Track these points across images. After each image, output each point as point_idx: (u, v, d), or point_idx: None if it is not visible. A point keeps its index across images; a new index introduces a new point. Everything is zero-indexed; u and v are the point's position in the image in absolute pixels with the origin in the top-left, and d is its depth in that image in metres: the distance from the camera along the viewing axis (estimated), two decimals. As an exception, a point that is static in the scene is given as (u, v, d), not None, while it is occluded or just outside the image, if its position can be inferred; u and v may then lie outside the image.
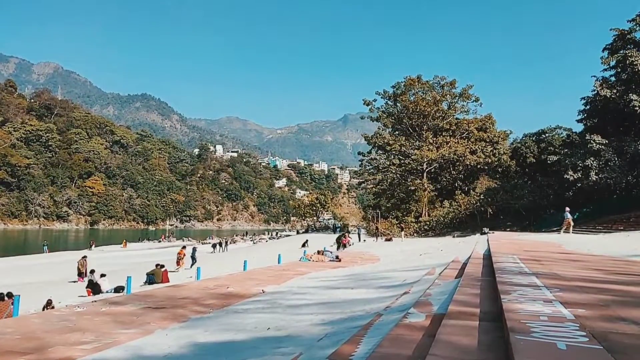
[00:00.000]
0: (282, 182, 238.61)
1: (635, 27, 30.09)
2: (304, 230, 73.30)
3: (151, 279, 17.35)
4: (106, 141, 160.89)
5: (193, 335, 5.62)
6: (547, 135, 38.64)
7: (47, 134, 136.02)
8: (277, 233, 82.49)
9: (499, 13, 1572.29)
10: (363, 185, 57.64)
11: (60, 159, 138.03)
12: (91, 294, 15.33)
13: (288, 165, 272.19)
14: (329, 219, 78.19)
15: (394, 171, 46.71)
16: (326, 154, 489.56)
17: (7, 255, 36.91)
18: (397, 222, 42.83)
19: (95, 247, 47.74)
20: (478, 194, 41.07)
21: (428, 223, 41.69)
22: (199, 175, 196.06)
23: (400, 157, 46.42)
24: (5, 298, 11.81)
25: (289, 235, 64.69)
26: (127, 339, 5.41)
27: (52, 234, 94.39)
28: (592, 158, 27.63)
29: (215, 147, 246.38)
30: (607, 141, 28.33)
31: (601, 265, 7.96)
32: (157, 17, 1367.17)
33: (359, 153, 55.17)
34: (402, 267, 14.04)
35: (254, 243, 56.14)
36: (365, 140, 51.84)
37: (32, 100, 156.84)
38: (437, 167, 46.11)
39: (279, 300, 8.46)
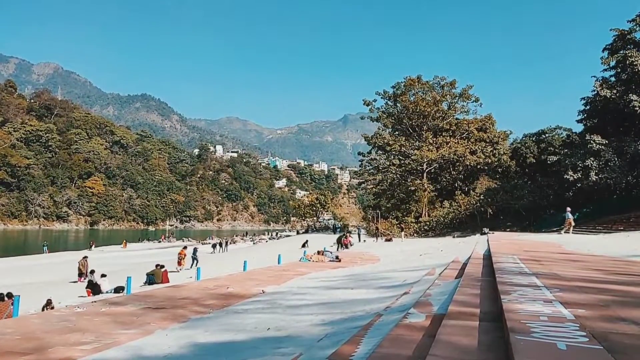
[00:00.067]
0: (282, 183, 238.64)
1: (635, 27, 30.11)
2: (304, 230, 73.31)
3: (151, 279, 17.35)
4: (106, 141, 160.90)
5: (193, 336, 5.62)
6: (547, 135, 38.65)
7: (47, 134, 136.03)
8: (277, 233, 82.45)
9: (499, 13, 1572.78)
10: (363, 185, 57.69)
11: (60, 159, 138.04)
12: (91, 294, 15.33)
13: (288, 166, 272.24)
14: (329, 220, 78.17)
15: (394, 171, 46.73)
16: (326, 154, 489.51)
17: (7, 255, 36.88)
18: (397, 222, 42.85)
19: (95, 247, 47.69)
20: (478, 194, 41.10)
21: (428, 223, 41.71)
22: (199, 175, 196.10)
23: (400, 158, 46.44)
24: (5, 298, 11.80)
25: (289, 236, 64.65)
26: (127, 339, 5.41)
27: (52, 234, 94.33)
28: (592, 158, 27.64)
29: (215, 147, 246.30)
30: (607, 141, 28.34)
31: (601, 265, 7.96)
32: (157, 17, 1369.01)
33: (359, 153, 55.21)
34: (402, 268, 14.03)
35: (254, 243, 56.12)
36: (365, 140, 51.88)
37: (32, 101, 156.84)
38: (437, 168, 46.14)
39: (279, 300, 8.46)
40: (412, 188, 44.35)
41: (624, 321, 3.15)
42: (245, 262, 17.68)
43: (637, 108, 27.31)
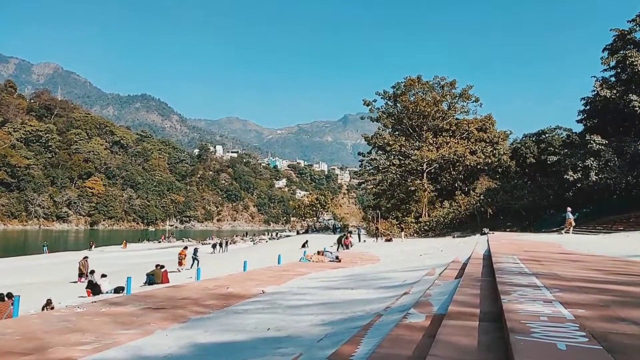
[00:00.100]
0: (282, 183, 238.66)
1: (635, 27, 30.12)
2: (304, 230, 73.34)
3: (151, 279, 17.35)
4: (106, 142, 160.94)
5: (193, 336, 5.62)
6: (547, 135, 38.65)
7: (47, 135, 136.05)
8: (277, 233, 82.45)
9: (499, 13, 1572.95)
10: (363, 185, 57.68)
11: (60, 160, 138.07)
12: (91, 294, 15.32)
13: (288, 166, 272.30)
14: (329, 220, 78.21)
15: (394, 171, 46.72)
16: (326, 154, 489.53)
17: (7, 255, 36.89)
18: (397, 222, 42.84)
19: (95, 247, 47.73)
20: (478, 195, 41.10)
21: (428, 223, 41.70)
22: (198, 175, 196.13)
23: (400, 158, 46.44)
24: (5, 299, 11.81)
25: (289, 236, 64.65)
26: (127, 339, 5.41)
27: (51, 234, 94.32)
28: (592, 158, 27.64)
29: (215, 147, 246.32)
30: (607, 141, 28.35)
31: (601, 265, 7.97)
32: (157, 18, 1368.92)
33: (359, 153, 55.22)
34: (402, 268, 14.03)
35: (254, 243, 56.13)
36: (365, 140, 51.88)
37: (32, 101, 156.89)
38: (437, 168, 46.13)
39: (279, 300, 8.46)
40: (412, 188, 44.35)
41: (624, 321, 3.16)
42: (245, 262, 17.68)
43: (637, 108, 27.32)
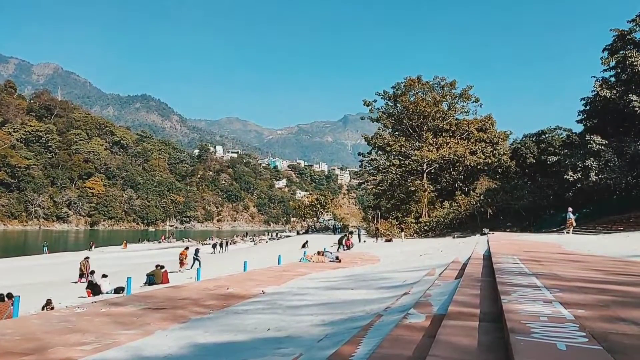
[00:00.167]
0: (282, 183, 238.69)
1: (635, 27, 30.13)
2: (304, 231, 73.36)
3: (151, 279, 17.35)
4: (106, 142, 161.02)
5: (193, 336, 5.62)
6: (547, 135, 38.65)
7: (47, 135, 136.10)
8: (277, 234, 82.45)
9: (499, 13, 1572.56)
10: (363, 186, 57.75)
11: (60, 160, 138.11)
12: (91, 294, 15.33)
13: (288, 166, 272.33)
14: (329, 220, 78.30)
15: (394, 172, 46.74)
16: (326, 154, 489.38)
17: (7, 256, 36.90)
18: (397, 222, 42.84)
19: (95, 248, 47.73)
20: (478, 195, 41.12)
21: (428, 224, 41.71)
22: (199, 176, 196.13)
23: (400, 158, 46.45)
24: (5, 299, 11.81)
25: (289, 236, 64.67)
26: (127, 339, 5.41)
27: (52, 234, 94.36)
28: (592, 158, 27.65)
29: (215, 147, 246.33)
30: (607, 142, 28.35)
31: (601, 265, 7.97)
32: (156, 18, 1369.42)
33: (359, 154, 55.26)
34: (402, 268, 14.03)
35: (254, 244, 56.14)
36: (365, 140, 51.89)
37: (31, 101, 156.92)
38: (437, 168, 46.15)
39: (279, 301, 8.46)
40: (412, 188, 44.36)
41: (623, 321, 3.16)
42: (245, 262, 17.68)
43: (637, 108, 27.32)
